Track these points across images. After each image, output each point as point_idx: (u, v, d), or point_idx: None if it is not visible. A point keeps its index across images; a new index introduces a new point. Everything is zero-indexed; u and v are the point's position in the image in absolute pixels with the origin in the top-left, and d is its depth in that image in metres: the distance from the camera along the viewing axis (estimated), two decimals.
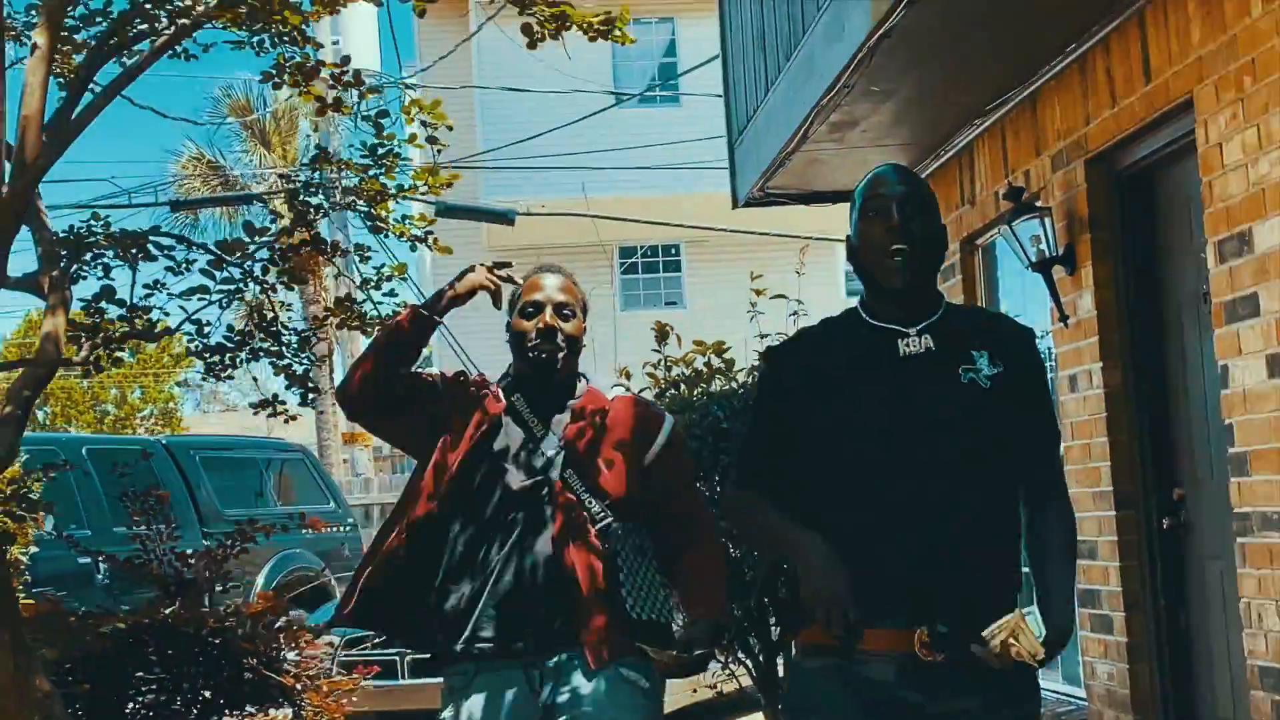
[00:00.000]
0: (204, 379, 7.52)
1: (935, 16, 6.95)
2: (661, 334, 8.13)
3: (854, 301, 3.54)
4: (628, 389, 4.38)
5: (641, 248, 28.30)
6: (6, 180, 5.03)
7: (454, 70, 19.45)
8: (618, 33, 6.69)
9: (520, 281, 4.21)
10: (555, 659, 3.96)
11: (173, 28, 5.92)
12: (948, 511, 3.23)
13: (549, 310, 4.08)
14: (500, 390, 4.20)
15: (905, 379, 3.33)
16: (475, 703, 3.99)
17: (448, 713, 4.14)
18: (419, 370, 4.34)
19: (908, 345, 3.34)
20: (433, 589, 4.04)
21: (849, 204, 3.55)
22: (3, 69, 5.19)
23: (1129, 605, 7.57)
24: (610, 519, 3.99)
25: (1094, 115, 7.52)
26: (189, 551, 7.01)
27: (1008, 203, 8.13)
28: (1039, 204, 7.97)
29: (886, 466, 3.28)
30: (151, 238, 6.31)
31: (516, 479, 4.05)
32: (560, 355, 4.09)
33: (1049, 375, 6.72)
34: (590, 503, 3.99)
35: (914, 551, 3.21)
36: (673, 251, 28.22)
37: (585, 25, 6.54)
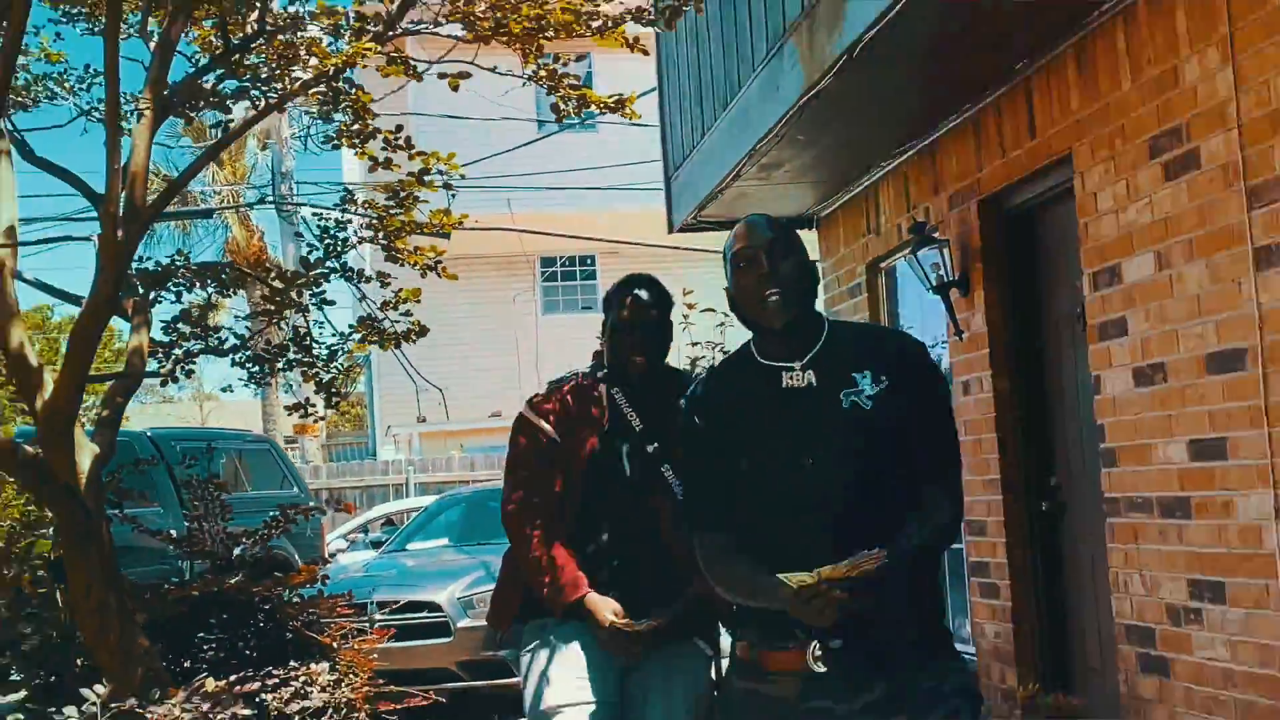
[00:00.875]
0: (248, 385, 7.59)
1: (856, 82, 7.21)
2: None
3: None
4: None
5: (560, 258, 28.27)
6: (121, 226, 5.18)
7: (394, 98, 19.66)
8: (627, 109, 6.69)
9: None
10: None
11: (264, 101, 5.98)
12: (839, 535, 3.14)
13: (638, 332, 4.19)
14: (601, 388, 4.27)
15: (791, 413, 3.32)
16: (568, 635, 4.08)
17: (536, 646, 4.25)
18: (540, 454, 4.26)
19: (791, 379, 3.32)
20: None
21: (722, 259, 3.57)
22: (117, 137, 5.25)
23: (1013, 575, 7.88)
24: None
25: (985, 164, 7.79)
26: (240, 529, 7.13)
27: (911, 235, 8.32)
28: (938, 236, 8.18)
29: (783, 498, 3.28)
30: (224, 272, 6.49)
31: (625, 471, 4.17)
32: (652, 358, 4.19)
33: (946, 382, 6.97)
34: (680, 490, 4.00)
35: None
36: (589, 261, 28.28)
37: (601, 105, 6.60)
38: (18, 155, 5.89)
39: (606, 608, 4.02)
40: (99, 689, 5.42)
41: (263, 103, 5.91)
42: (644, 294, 4.26)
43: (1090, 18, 6.59)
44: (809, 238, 10.66)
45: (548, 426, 4.29)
